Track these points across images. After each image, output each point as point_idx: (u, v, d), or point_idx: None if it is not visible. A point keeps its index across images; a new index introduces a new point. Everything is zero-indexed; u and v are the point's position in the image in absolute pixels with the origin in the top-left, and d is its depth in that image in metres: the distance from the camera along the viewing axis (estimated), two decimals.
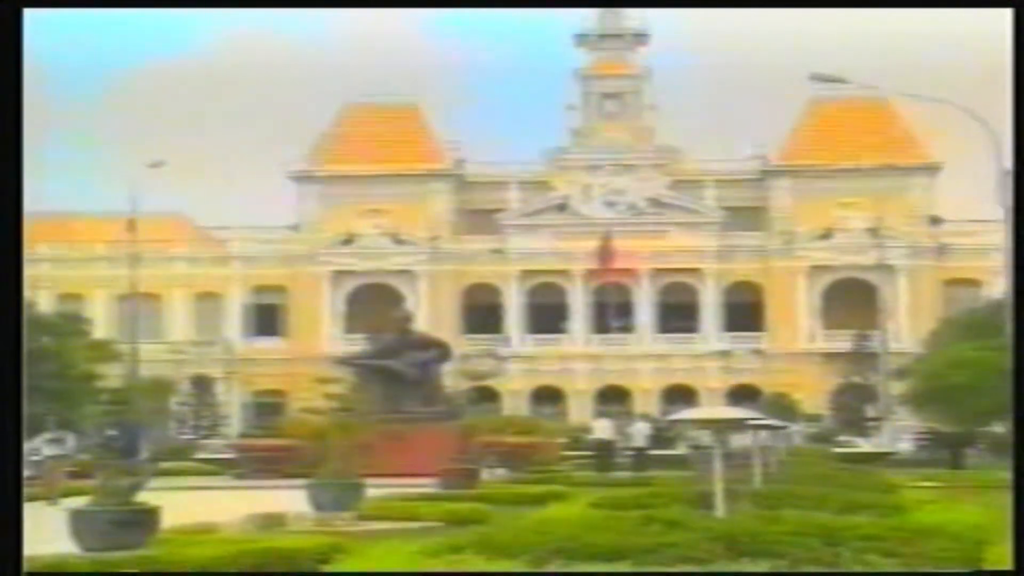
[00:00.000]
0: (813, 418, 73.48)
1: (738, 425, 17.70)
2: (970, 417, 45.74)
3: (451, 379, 51.94)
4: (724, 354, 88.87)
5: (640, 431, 48.19)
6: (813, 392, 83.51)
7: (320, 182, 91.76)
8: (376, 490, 24.94)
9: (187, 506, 21.37)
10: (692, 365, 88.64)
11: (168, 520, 15.79)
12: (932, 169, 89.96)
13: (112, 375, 62.46)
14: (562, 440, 53.84)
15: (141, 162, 67.20)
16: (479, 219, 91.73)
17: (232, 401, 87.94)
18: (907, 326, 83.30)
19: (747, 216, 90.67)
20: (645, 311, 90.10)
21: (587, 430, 55.41)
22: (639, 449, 46.64)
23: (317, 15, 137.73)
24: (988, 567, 11.53)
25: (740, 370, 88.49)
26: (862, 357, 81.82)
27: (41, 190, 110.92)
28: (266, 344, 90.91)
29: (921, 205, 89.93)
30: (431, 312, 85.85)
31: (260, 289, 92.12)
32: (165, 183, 75.21)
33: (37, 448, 34.03)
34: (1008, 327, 42.27)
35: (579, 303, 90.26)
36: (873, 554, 11.63)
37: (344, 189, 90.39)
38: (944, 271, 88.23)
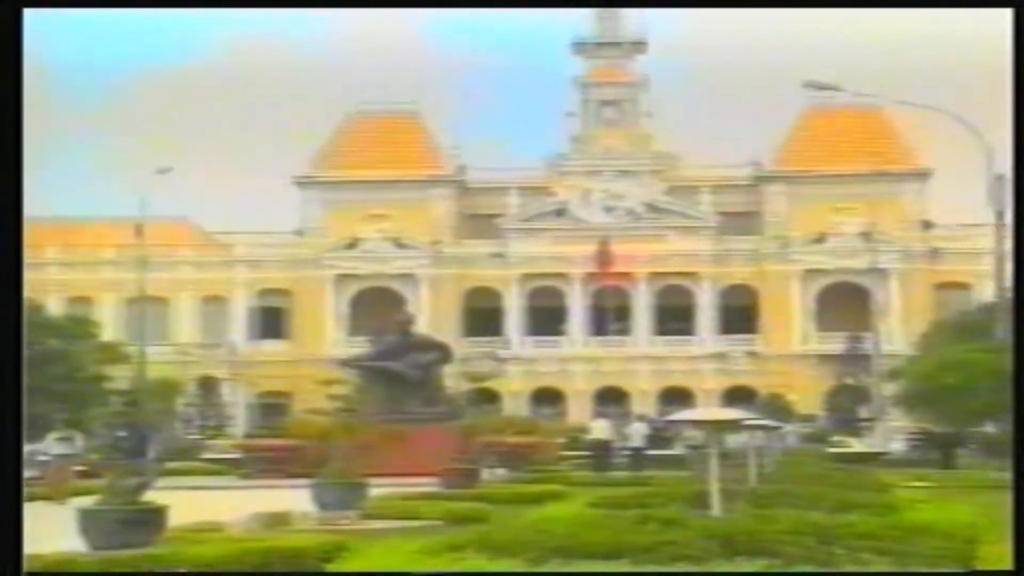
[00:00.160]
0: (807, 419, 73.38)
1: (734, 426, 17.68)
2: (961, 418, 45.64)
3: (452, 380, 51.81)
4: (720, 356, 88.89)
5: (637, 431, 48.15)
6: (807, 393, 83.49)
7: (324, 188, 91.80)
8: (378, 489, 24.89)
9: (193, 505, 21.33)
10: (689, 367, 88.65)
11: (175, 519, 15.77)
12: (923, 175, 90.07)
13: (120, 377, 62.37)
14: (561, 440, 53.83)
15: (148, 168, 67.27)
16: (480, 224, 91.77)
17: (237, 402, 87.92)
18: (899, 328, 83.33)
19: (742, 221, 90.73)
20: (642, 314, 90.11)
21: (585, 430, 55.32)
22: (637, 449, 46.58)
23: (321, 23, 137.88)
24: (980, 565, 11.51)
25: (736, 371, 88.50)
26: (855, 359, 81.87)
27: (51, 196, 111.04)
28: (271, 346, 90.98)
29: (913, 210, 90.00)
30: (432, 315, 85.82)
31: (265, 292, 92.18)
32: (172, 188, 75.11)
33: (46, 448, 34.02)
34: (998, 328, 42.31)
35: (578, 306, 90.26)
36: (867, 552, 11.60)
37: (347, 194, 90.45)
38: (935, 275, 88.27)
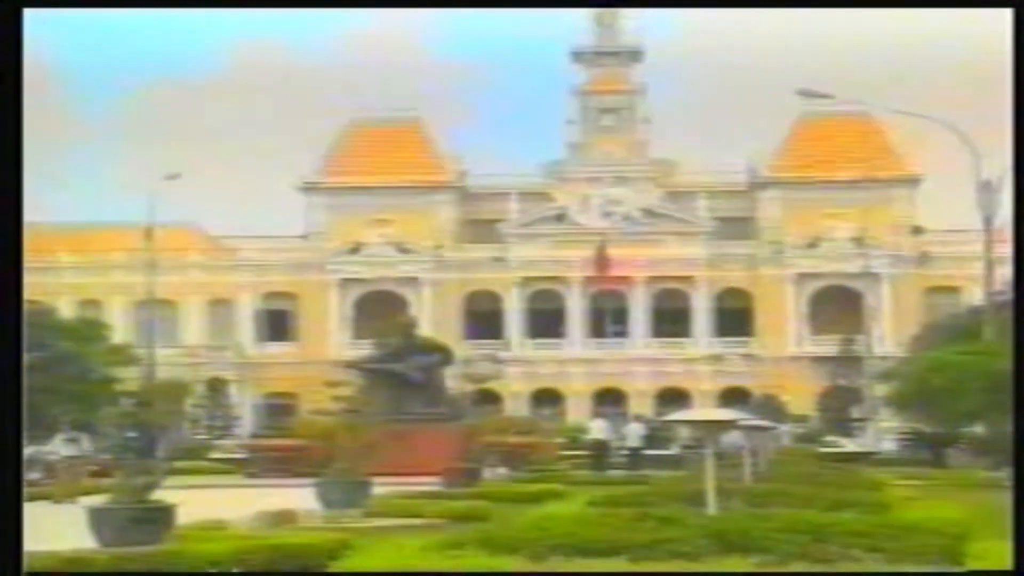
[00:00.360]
0: (801, 419, 73.36)
1: (729, 426, 17.67)
2: (950, 418, 45.60)
3: (454, 382, 51.90)
4: (715, 358, 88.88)
5: (635, 431, 48.15)
6: (801, 394, 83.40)
7: (328, 193, 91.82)
8: (382, 488, 24.89)
9: (201, 504, 21.31)
10: (685, 368, 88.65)
11: (183, 517, 15.77)
12: (913, 182, 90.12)
13: (130, 378, 62.38)
14: (560, 440, 53.85)
15: (157, 174, 67.29)
16: (481, 229, 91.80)
17: (244, 403, 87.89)
18: (890, 331, 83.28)
19: (737, 226, 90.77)
20: (640, 316, 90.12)
21: (584, 431, 55.31)
22: (634, 449, 46.59)
23: (327, 33, 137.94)
24: (968, 561, 11.51)
25: (731, 373, 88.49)
26: (848, 361, 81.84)
27: (62, 202, 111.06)
28: (277, 349, 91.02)
29: (903, 216, 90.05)
30: (435, 318, 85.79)
31: (271, 296, 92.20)
32: (180, 194, 75.09)
33: (53, 449, 34.01)
34: (987, 331, 42.33)
35: (577, 309, 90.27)
36: (859, 549, 11.61)
37: (351, 200, 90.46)
38: (926, 279, 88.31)
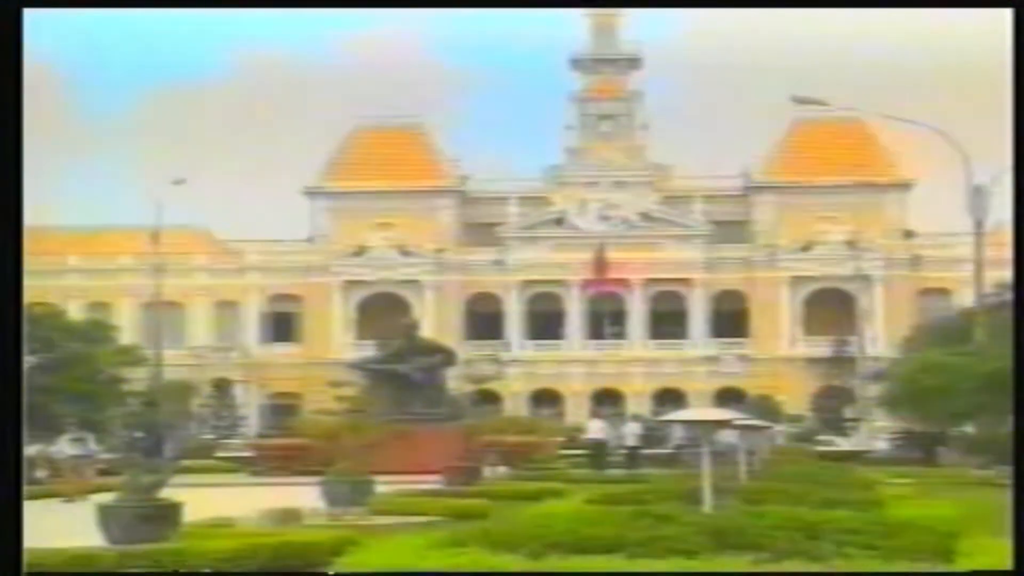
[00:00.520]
0: (795, 419, 73.39)
1: (724, 425, 17.65)
2: (942, 418, 45.66)
3: (455, 382, 51.88)
4: (711, 359, 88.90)
5: (632, 431, 48.13)
6: (795, 394, 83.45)
7: (332, 197, 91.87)
8: (385, 487, 24.88)
9: (207, 502, 21.30)
10: (681, 369, 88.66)
11: (190, 515, 15.75)
12: (905, 186, 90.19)
13: (138, 379, 62.38)
14: (559, 440, 53.81)
15: (164, 178, 67.29)
16: (481, 232, 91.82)
17: (250, 403, 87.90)
18: (883, 333, 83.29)
19: (733, 230, 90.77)
20: (637, 318, 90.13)
21: (583, 430, 55.30)
22: (632, 448, 46.55)
23: (330, 40, 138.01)
24: (960, 557, 11.51)
25: (726, 374, 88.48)
26: (841, 362, 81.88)
27: (71, 206, 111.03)
28: (282, 350, 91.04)
29: (895, 219, 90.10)
30: (436, 320, 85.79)
31: (276, 298, 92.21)
32: (186, 198, 75.05)
33: (60, 448, 33.99)
34: (978, 333, 42.33)
35: (575, 311, 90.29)
36: (852, 546, 11.60)
37: (354, 204, 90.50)
38: (917, 281, 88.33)
